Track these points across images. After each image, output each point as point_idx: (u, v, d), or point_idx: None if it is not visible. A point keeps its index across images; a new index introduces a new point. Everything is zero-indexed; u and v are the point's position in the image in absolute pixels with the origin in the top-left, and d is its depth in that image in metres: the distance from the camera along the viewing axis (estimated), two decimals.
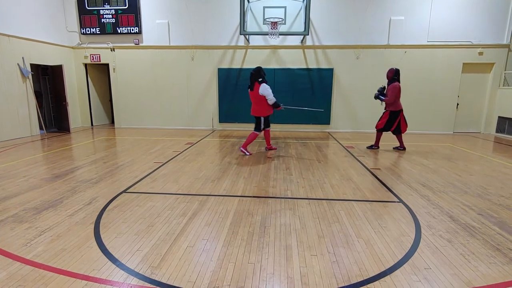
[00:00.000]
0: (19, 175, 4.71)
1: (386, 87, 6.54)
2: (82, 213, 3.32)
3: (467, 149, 7.11)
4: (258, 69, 6.04)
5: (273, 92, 6.09)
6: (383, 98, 6.40)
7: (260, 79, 5.94)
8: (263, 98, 5.97)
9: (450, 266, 2.37)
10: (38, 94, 9.28)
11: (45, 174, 4.79)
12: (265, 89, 5.90)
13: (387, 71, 6.43)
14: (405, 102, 9.54)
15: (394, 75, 6.27)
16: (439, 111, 9.64)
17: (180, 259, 2.42)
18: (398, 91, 6.27)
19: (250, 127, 10.10)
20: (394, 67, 6.07)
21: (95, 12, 9.71)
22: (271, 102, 5.99)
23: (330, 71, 9.60)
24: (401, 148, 6.83)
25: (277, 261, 2.42)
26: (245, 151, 6.29)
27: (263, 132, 6.49)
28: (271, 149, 6.81)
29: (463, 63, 9.32)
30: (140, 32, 9.80)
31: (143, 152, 6.49)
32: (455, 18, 9.07)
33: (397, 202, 3.74)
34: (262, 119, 6.19)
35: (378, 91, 6.56)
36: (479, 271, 2.30)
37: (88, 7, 9.69)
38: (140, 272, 2.25)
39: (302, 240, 2.76)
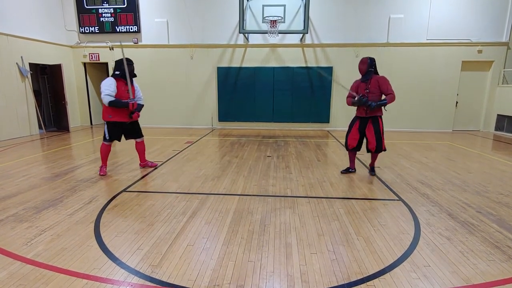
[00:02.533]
0: (19, 175, 4.71)
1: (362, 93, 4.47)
2: (82, 212, 3.32)
3: (466, 147, 7.12)
4: (118, 60, 4.50)
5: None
6: (385, 101, 4.31)
7: (118, 72, 4.47)
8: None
9: (449, 263, 2.38)
10: (37, 94, 9.26)
11: (44, 174, 4.78)
12: (102, 83, 4.37)
13: (358, 63, 4.54)
14: (404, 100, 9.63)
15: (369, 67, 4.40)
16: (438, 109, 9.65)
17: (181, 258, 2.43)
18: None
19: (250, 126, 10.19)
20: (368, 56, 4.48)
21: (94, 11, 9.68)
22: (104, 101, 4.36)
23: (329, 70, 9.60)
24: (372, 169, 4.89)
25: (277, 259, 2.42)
26: (145, 164, 5.10)
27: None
28: (146, 165, 5.16)
29: (462, 61, 9.32)
30: (139, 31, 9.77)
31: None
32: (454, 16, 9.06)
33: (397, 200, 3.75)
34: (105, 125, 4.60)
35: (363, 100, 4.37)
36: (478, 269, 2.31)
37: (87, 6, 9.66)
38: (140, 271, 2.25)
39: (302, 238, 2.76)
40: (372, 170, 4.86)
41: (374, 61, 4.48)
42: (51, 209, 3.40)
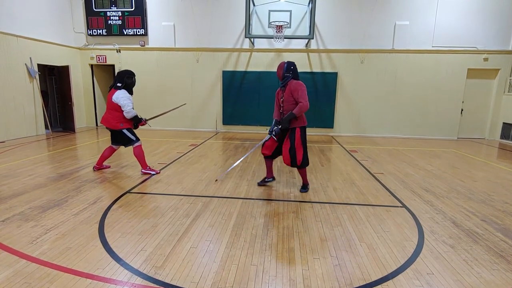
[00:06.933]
0: (25, 174, 4.76)
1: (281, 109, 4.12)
2: (87, 212, 3.35)
3: (471, 155, 7.08)
4: (124, 72, 4.66)
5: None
6: (292, 114, 3.87)
7: (120, 84, 4.62)
8: (117, 107, 4.60)
9: (453, 272, 2.36)
10: (44, 94, 9.37)
11: (50, 173, 4.83)
12: (120, 97, 4.54)
13: (277, 67, 4.06)
14: (409, 106, 9.62)
15: (286, 72, 3.95)
16: (443, 116, 9.61)
17: (184, 260, 2.44)
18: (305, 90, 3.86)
19: (254, 129, 10.21)
20: (287, 60, 4.12)
21: (102, 13, 9.82)
22: (129, 115, 4.63)
23: (334, 75, 9.62)
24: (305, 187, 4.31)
25: (280, 263, 2.43)
26: (150, 171, 4.95)
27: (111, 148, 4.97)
28: (101, 168, 5.14)
29: (468, 69, 9.30)
30: (146, 34, 9.89)
31: (147, 153, 6.51)
32: (460, 23, 9.06)
33: (400, 207, 3.74)
34: (126, 132, 4.74)
35: (273, 133, 4.10)
36: (482, 278, 2.30)
37: (95, 8, 9.80)
38: (143, 272, 2.27)
39: (305, 243, 2.77)
40: (303, 187, 4.29)
41: (293, 65, 3.96)
42: (56, 208, 3.44)
